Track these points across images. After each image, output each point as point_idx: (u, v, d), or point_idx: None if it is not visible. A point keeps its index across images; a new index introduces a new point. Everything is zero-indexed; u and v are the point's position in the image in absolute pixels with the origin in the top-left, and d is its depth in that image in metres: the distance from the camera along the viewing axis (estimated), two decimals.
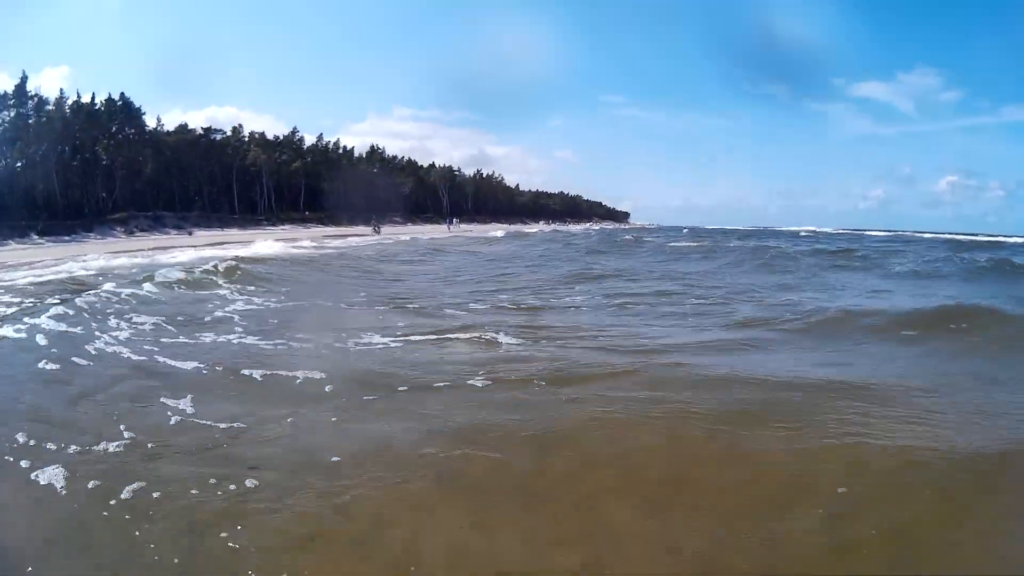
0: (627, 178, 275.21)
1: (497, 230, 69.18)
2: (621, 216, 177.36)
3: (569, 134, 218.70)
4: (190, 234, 47.43)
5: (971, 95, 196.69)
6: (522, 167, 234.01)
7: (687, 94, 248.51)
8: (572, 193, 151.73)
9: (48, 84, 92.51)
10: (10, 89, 48.17)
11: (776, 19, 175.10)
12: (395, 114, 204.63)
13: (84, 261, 19.52)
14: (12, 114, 48.79)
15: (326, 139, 77.79)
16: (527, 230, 79.36)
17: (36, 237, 41.48)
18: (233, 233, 49.04)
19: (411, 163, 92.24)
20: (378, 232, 47.12)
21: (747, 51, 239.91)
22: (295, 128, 73.07)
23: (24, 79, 48.67)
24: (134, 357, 6.67)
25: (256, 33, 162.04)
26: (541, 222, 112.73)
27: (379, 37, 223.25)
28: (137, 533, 3.35)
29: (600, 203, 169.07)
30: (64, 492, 3.73)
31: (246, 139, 66.65)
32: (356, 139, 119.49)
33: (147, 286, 11.33)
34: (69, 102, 51.26)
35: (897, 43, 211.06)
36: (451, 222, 77.88)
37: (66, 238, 42.14)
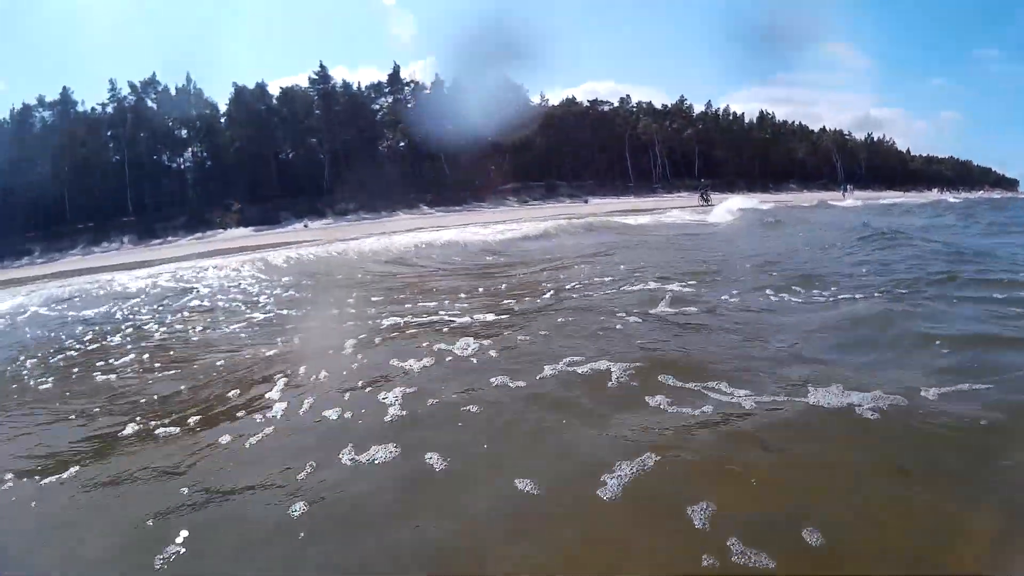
0: (1014, 142, 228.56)
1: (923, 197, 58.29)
2: (1011, 184, 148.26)
3: (952, 94, 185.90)
4: (585, 202, 48.10)
5: None
6: (906, 130, 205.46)
7: None
8: (962, 158, 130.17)
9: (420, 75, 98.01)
10: (383, 79, 53.23)
11: None
12: (778, 79, 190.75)
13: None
14: (390, 100, 52.82)
15: (715, 105, 73.53)
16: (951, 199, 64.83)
17: (426, 208, 44.31)
18: (631, 201, 48.42)
19: (802, 127, 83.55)
20: (708, 203, 37.84)
21: None
22: (682, 96, 70.15)
23: (396, 68, 53.39)
24: None
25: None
26: (935, 189, 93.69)
27: None
28: None
29: (990, 170, 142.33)
30: None
31: (634, 109, 65.23)
32: (742, 105, 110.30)
33: None
34: (445, 87, 54.52)
35: None
36: (845, 189, 67.08)
37: (456, 208, 43.94)
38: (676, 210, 28.82)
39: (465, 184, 47.13)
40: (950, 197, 75.10)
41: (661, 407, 3.10)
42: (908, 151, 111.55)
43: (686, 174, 61.81)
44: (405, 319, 5.60)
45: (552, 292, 6.63)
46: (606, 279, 7.14)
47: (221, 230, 34.56)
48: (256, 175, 38.79)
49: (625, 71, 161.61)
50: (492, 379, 3.58)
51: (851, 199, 57.22)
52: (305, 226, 35.28)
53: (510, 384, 3.50)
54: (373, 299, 7.23)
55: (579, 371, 3.62)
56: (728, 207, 23.51)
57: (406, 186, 43.84)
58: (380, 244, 16.61)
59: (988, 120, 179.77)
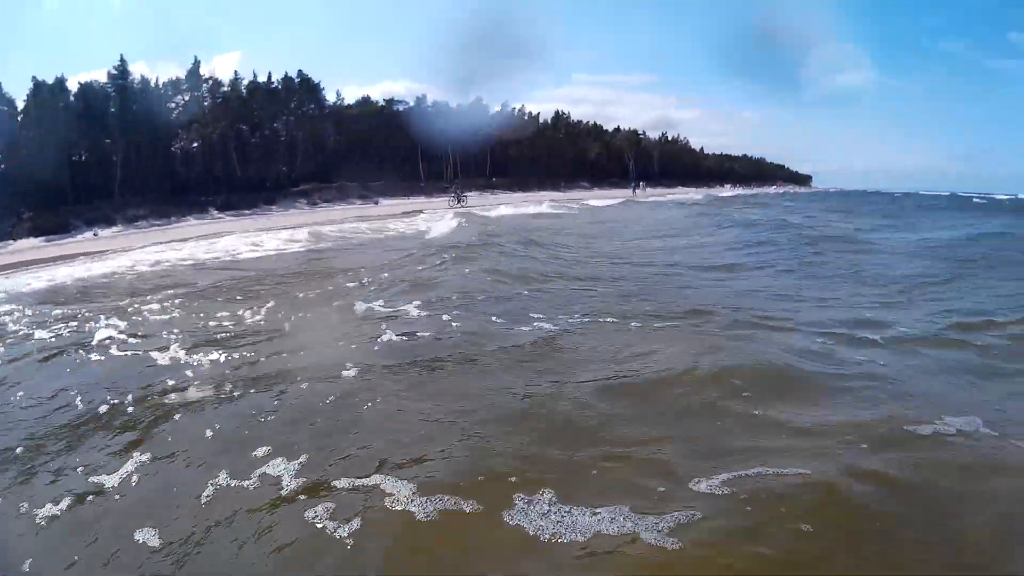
0: (809, 140, 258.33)
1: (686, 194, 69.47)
2: (804, 179, 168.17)
3: (754, 94, 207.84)
4: (376, 203, 49.80)
5: None
6: (704, 130, 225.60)
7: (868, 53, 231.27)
8: (755, 156, 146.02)
9: (220, 70, 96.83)
10: (182, 75, 51.88)
11: None
12: (574, 80, 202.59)
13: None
14: (187, 98, 52.51)
15: (511, 106, 78.80)
16: (722, 194, 77.93)
17: (215, 212, 44.31)
18: (419, 201, 50.60)
19: (596, 127, 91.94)
20: (461, 203, 41.88)
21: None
22: (479, 97, 74.13)
23: (197, 63, 52.51)
24: None
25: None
26: (727, 185, 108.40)
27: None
28: None
29: (783, 166, 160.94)
30: None
31: (430, 108, 68.59)
32: (537, 106, 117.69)
33: None
34: (245, 82, 55.15)
35: None
36: (636, 186, 75.81)
37: (246, 212, 44.51)
38: (423, 215, 32.25)
39: (258, 187, 48.55)
40: (726, 191, 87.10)
41: None
42: (702, 149, 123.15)
43: (477, 174, 67.60)
44: None
45: None
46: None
47: (11, 241, 34.21)
48: (51, 179, 38.64)
49: (422, 70, 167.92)
50: None
51: (642, 196, 65.93)
52: (95, 235, 35.50)
53: None
54: None
55: None
56: (457, 216, 25.75)
57: (199, 190, 45.20)
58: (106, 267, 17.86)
59: (787, 120, 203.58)
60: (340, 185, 52.83)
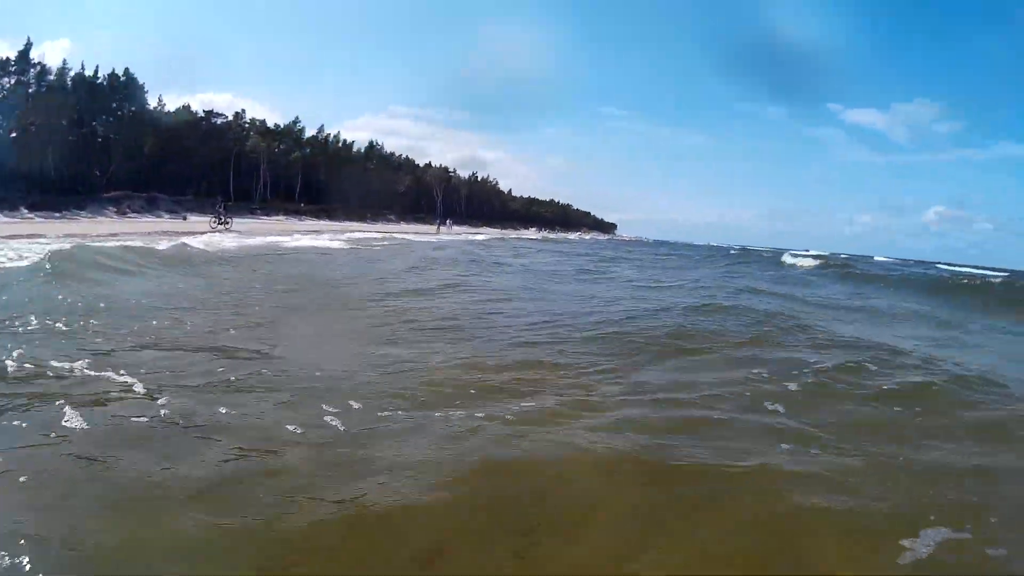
0: (616, 190, 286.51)
1: (485, 234, 72.30)
2: (609, 227, 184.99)
3: (562, 142, 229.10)
4: (184, 219, 47.73)
5: (966, 128, 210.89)
6: (513, 172, 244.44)
7: (682, 111, 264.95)
8: (562, 201, 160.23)
9: (49, 57, 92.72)
10: (12, 55, 50.12)
11: (778, 41, 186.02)
12: (391, 112, 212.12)
13: None
14: (12, 81, 50.87)
15: (327, 131, 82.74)
16: (527, 235, 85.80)
17: (26, 211, 42.35)
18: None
19: (408, 161, 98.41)
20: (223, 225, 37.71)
21: (746, 71, 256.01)
22: (296, 118, 77.72)
23: (28, 45, 50.90)
24: None
25: (252, 21, 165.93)
26: (532, 229, 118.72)
27: (379, 34, 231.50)
28: None
29: (589, 213, 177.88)
30: None
31: (247, 125, 71.12)
32: (353, 134, 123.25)
33: None
34: (71, 74, 53.89)
35: (895, 73, 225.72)
36: (443, 223, 79.07)
37: (56, 215, 43.29)
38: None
39: (69, 189, 47.34)
40: (531, 234, 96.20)
41: None
42: (510, 191, 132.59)
43: (285, 198, 70.80)
44: None
45: None
46: None
47: None
48: None
49: (243, 87, 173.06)
50: None
51: (448, 232, 70.55)
52: None
53: None
54: None
55: None
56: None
57: (12, 187, 43.15)
58: None
59: (595, 168, 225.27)
60: (151, 196, 51.90)
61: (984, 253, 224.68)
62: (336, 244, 29.44)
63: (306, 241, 29.97)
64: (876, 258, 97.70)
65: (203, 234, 28.49)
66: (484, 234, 69.14)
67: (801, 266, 37.27)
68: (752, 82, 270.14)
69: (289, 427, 4.28)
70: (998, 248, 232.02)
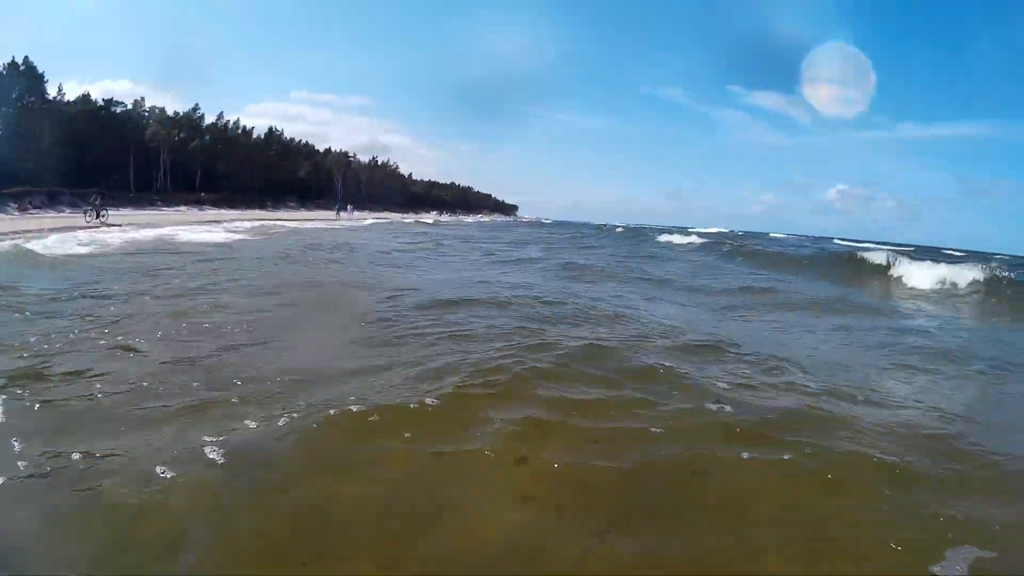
0: (516, 172, 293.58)
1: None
2: (510, 209, 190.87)
3: (464, 125, 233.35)
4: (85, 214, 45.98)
5: (869, 111, 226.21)
6: (415, 156, 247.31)
7: (583, 94, 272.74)
8: (463, 184, 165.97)
9: None
10: None
11: (679, 23, 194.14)
12: (292, 97, 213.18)
13: None
14: None
15: (226, 118, 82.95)
16: (423, 219, 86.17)
17: None
18: (126, 213, 48.02)
19: (308, 147, 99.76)
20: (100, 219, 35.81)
21: (645, 52, 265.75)
22: (196, 105, 77.90)
23: None
24: None
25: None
26: (434, 212, 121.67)
27: (278, 17, 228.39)
28: None
29: (490, 195, 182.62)
30: None
31: (146, 113, 71.19)
32: (253, 120, 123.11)
33: None
34: None
35: (799, 58, 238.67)
36: (342, 209, 78.44)
37: None
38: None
39: None
40: (431, 217, 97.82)
41: None
42: (411, 175, 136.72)
43: (186, 187, 69.86)
44: None
45: None
46: None
47: None
48: None
49: (141, 72, 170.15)
50: None
51: (348, 217, 69.48)
52: None
53: None
54: None
55: None
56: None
57: None
58: None
59: (497, 151, 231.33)
60: (52, 191, 50.04)
61: (887, 229, 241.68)
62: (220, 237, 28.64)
63: (199, 235, 29.07)
64: (772, 235, 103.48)
65: (82, 230, 27.33)
66: (373, 219, 69.85)
67: (678, 244, 40.03)
68: (656, 65, 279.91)
69: None
70: (903, 224, 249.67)
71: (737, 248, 34.87)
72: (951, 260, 25.15)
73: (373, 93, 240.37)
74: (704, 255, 32.11)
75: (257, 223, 44.24)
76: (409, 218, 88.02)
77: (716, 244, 38.69)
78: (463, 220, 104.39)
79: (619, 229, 78.51)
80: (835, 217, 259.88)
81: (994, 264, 21.14)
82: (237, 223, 42.11)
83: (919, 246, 77.42)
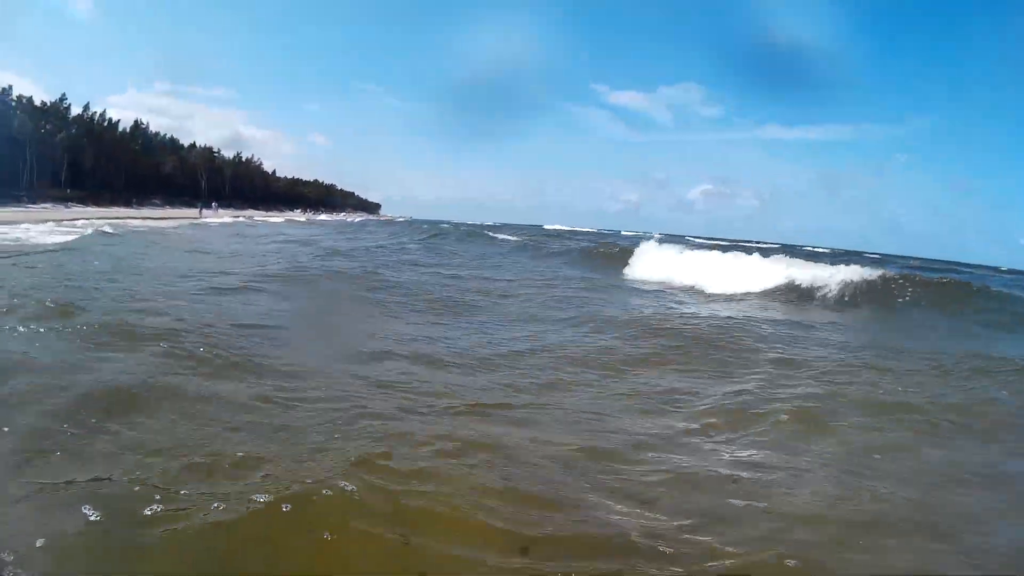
0: (378, 168, 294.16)
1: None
2: (373, 207, 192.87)
3: (323, 119, 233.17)
4: None
5: (731, 111, 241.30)
6: (276, 151, 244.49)
7: (439, 88, 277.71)
8: (326, 182, 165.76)
9: None
10: None
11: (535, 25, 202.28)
12: (156, 88, 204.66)
13: None
14: None
15: (92, 109, 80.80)
16: (272, 219, 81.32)
17: None
18: None
19: (173, 141, 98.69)
20: None
21: (510, 48, 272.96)
22: (64, 94, 75.05)
23: None
24: None
25: None
26: (297, 210, 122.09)
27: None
28: None
29: (353, 193, 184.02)
30: None
31: (13, 103, 68.30)
32: (119, 113, 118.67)
33: None
34: None
35: (662, 58, 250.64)
36: (207, 206, 77.00)
37: None
38: None
39: None
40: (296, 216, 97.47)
41: None
42: (274, 172, 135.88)
43: (51, 183, 67.77)
44: None
45: None
46: None
47: None
48: None
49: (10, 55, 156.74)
50: None
51: (211, 216, 67.65)
52: None
53: None
54: None
55: None
56: None
57: None
58: None
59: (356, 146, 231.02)
60: None
61: (751, 226, 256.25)
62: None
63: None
64: (623, 232, 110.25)
65: None
66: (233, 218, 67.84)
67: (502, 239, 43.30)
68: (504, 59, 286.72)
69: None
70: (767, 221, 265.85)
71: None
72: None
73: (234, 82, 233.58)
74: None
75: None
76: (276, 217, 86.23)
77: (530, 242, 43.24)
78: (316, 218, 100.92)
79: (463, 227, 75.43)
80: (700, 215, 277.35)
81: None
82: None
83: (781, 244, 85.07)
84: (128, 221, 42.89)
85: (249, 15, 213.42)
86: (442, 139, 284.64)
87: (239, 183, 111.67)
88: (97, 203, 67.01)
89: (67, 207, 59.79)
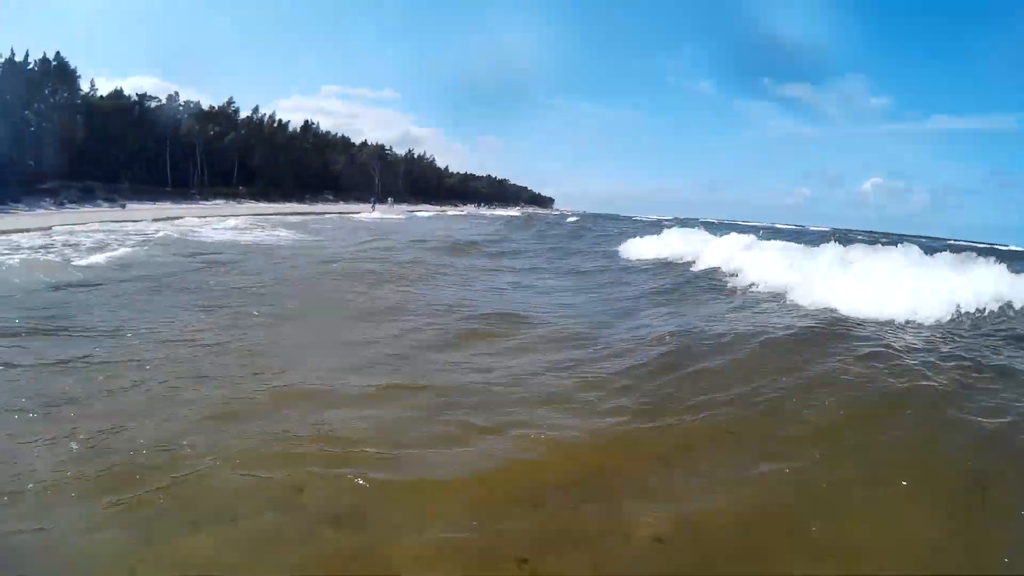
0: (551, 165, 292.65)
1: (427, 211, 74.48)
2: (546, 202, 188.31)
3: (493, 120, 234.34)
4: (123, 207, 47.49)
5: (900, 103, 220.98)
6: (446, 149, 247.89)
7: (614, 88, 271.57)
8: (499, 176, 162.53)
9: None
10: None
11: (711, 18, 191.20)
12: (322, 92, 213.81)
13: None
14: None
15: (261, 111, 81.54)
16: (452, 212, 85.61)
17: None
18: (167, 207, 49.23)
19: (344, 140, 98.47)
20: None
21: (676, 45, 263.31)
22: (231, 99, 77.17)
23: None
24: None
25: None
26: (470, 205, 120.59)
27: (306, 12, 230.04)
28: None
29: (526, 187, 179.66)
30: None
31: (181, 108, 69.83)
32: (285, 115, 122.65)
33: None
34: (0, 61, 52.95)
35: (830, 49, 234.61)
36: (380, 201, 79.12)
37: None
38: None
39: (2, 180, 43.80)
40: (467, 210, 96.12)
41: None
42: (447, 168, 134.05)
43: (222, 181, 69.64)
44: None
45: None
46: None
47: None
48: None
49: (175, 67, 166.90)
50: None
51: (380, 212, 68.37)
52: None
53: None
54: None
55: None
56: None
57: None
58: None
59: (528, 145, 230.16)
60: (87, 186, 50.15)
61: (924, 223, 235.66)
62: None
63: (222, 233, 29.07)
64: (809, 227, 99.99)
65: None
66: (410, 213, 68.81)
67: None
68: (684, 56, 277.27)
69: None
70: (936, 218, 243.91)
71: None
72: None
73: (398, 88, 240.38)
74: None
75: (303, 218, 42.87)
76: (453, 211, 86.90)
77: None
78: (493, 213, 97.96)
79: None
80: (871, 210, 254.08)
81: None
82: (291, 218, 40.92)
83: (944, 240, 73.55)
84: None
85: (404, 21, 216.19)
86: (612, 139, 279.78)
87: (411, 179, 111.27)
88: (268, 199, 68.64)
89: (239, 203, 61.78)
